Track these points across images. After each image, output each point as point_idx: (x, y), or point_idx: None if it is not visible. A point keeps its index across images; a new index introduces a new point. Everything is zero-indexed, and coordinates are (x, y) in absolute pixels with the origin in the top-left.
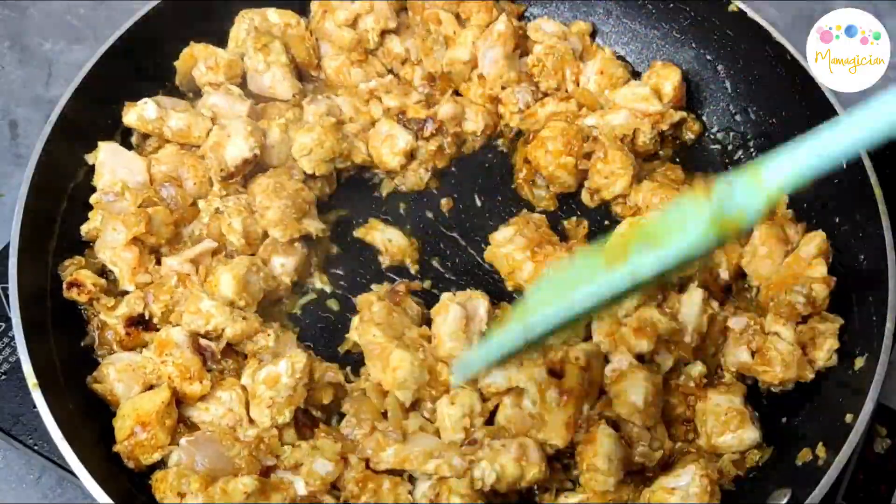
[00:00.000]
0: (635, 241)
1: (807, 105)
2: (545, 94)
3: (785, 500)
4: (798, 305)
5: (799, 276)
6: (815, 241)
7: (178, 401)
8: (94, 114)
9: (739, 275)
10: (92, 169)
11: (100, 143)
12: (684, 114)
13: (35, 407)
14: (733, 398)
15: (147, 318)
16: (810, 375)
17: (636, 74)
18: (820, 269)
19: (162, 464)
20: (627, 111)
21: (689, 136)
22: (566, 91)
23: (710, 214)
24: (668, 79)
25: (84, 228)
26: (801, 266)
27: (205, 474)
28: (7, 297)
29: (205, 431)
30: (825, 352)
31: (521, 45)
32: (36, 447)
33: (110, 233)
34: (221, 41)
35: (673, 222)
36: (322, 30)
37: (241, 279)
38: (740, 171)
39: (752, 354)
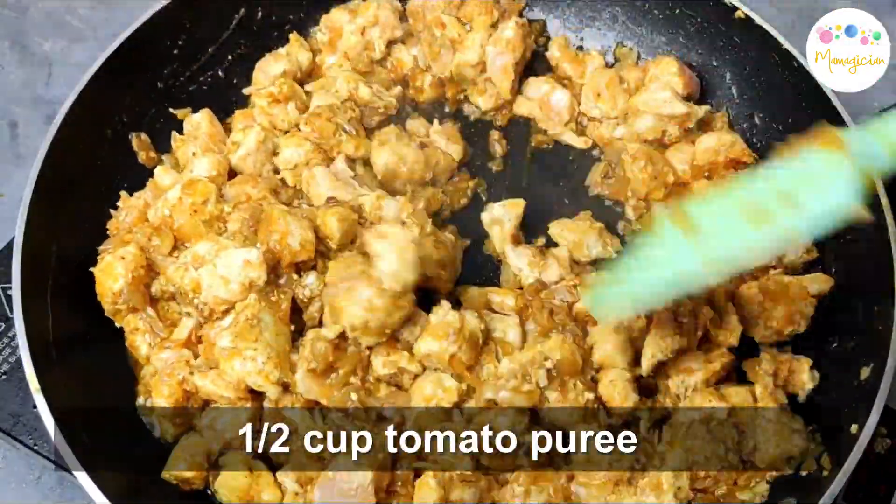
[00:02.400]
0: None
1: (813, 112)
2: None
3: None
4: (787, 329)
5: (795, 299)
6: (824, 283)
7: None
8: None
9: None
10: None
11: None
12: (708, 107)
13: (35, 407)
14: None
15: None
16: (783, 400)
17: None
18: (810, 310)
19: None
20: (653, 116)
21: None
22: None
23: (852, 169)
24: (668, 72)
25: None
26: (800, 293)
27: None
28: (9, 297)
29: None
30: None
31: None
32: (36, 447)
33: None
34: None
35: (811, 179)
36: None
37: None
38: (865, 122)
39: None
